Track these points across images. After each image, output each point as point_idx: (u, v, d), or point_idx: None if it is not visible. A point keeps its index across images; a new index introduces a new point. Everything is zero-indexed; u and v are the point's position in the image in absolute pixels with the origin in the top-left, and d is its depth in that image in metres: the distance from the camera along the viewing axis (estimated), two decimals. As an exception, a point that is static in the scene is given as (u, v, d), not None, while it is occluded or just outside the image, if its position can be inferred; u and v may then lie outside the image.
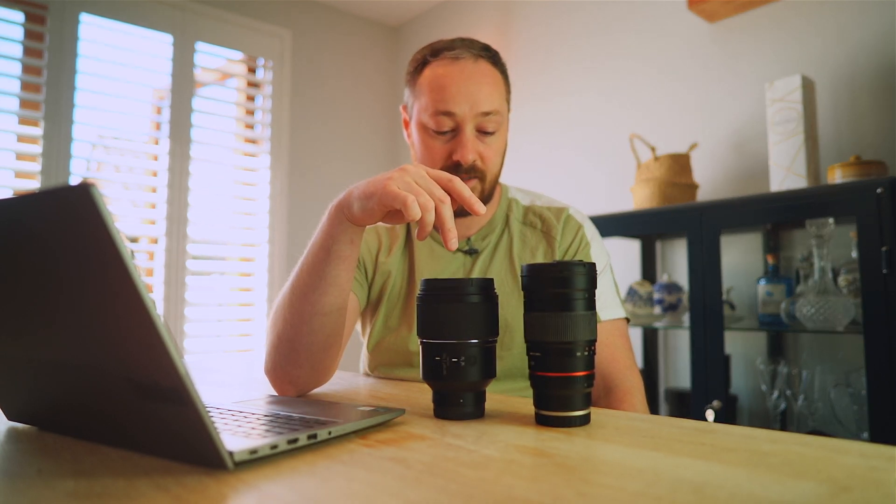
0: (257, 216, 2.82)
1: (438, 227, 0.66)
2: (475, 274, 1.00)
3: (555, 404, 0.57)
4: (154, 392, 0.43)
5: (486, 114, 0.95)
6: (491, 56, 0.98)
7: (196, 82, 2.66)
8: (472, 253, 1.02)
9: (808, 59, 1.79)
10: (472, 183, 0.97)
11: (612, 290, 1.00)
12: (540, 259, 1.01)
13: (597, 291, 0.98)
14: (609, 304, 0.98)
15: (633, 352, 0.98)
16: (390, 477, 0.42)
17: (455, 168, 0.95)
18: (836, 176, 1.48)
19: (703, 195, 1.95)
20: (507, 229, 1.04)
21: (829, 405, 1.61)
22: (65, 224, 0.40)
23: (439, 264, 1.02)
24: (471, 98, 0.93)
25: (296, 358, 0.79)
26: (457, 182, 0.68)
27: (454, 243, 0.65)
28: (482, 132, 0.96)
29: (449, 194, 0.68)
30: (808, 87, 1.58)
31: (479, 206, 0.68)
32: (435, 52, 0.97)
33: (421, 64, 0.99)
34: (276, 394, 0.84)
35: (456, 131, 0.95)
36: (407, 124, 1.05)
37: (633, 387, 0.92)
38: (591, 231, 1.05)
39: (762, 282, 1.66)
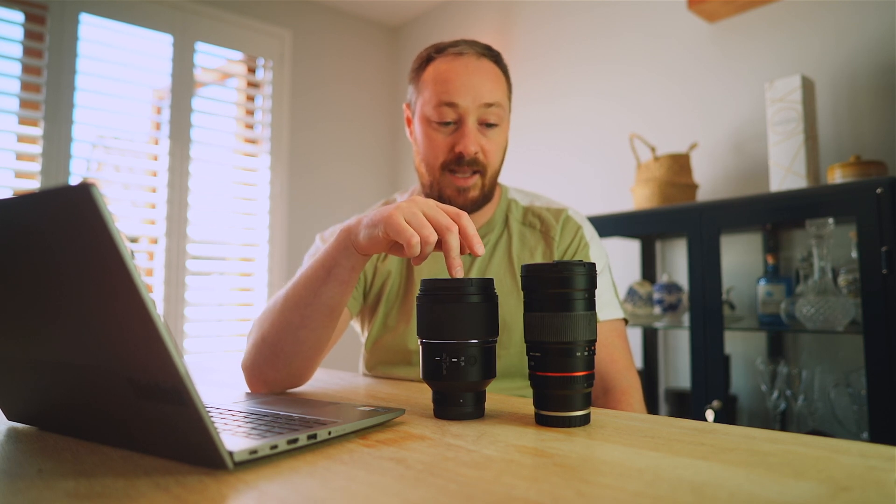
0: (257, 216, 2.82)
1: (444, 255, 0.66)
2: (473, 272, 1.00)
3: (555, 404, 0.57)
4: (154, 392, 0.43)
5: (489, 105, 0.95)
6: (493, 56, 1.00)
7: (196, 82, 2.66)
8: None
9: (807, 59, 1.79)
10: (474, 179, 0.97)
11: (610, 290, 1.01)
12: (539, 259, 1.01)
13: (595, 292, 0.98)
14: (608, 305, 0.98)
15: (630, 352, 0.99)
16: (390, 477, 0.42)
17: (457, 160, 0.96)
18: (836, 176, 1.48)
19: (702, 195, 1.95)
20: (507, 229, 1.05)
21: (829, 405, 1.61)
22: (65, 224, 0.40)
23: (438, 263, 1.02)
24: (473, 90, 0.95)
25: (274, 362, 0.80)
26: (464, 217, 0.68)
27: (459, 272, 0.65)
28: (484, 125, 0.97)
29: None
30: (807, 87, 1.58)
31: (480, 248, 0.67)
32: (439, 49, 0.99)
33: (425, 61, 1.00)
34: (277, 394, 0.84)
35: (458, 123, 0.96)
36: (409, 122, 1.06)
37: (631, 387, 0.93)
38: (589, 232, 1.05)
39: (762, 282, 1.66)
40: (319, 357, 0.83)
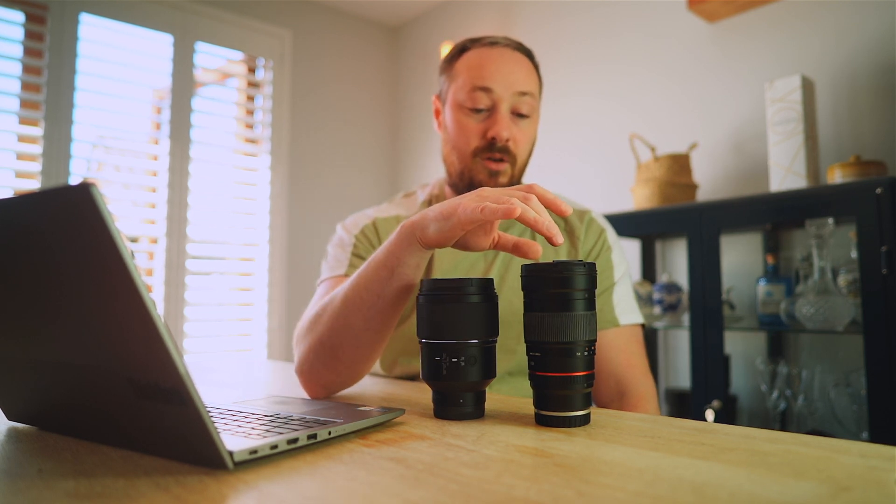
0: (257, 216, 2.82)
1: (534, 224, 0.60)
2: (497, 266, 0.99)
3: (555, 404, 0.57)
4: (154, 392, 0.43)
5: (523, 94, 0.95)
6: (527, 51, 1.00)
7: (196, 82, 2.66)
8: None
9: (807, 59, 1.79)
10: (503, 167, 0.96)
11: (631, 295, 1.00)
12: (563, 257, 1.00)
13: (616, 296, 0.98)
14: (628, 310, 0.98)
15: (647, 358, 0.98)
16: (390, 477, 0.42)
17: (489, 146, 0.95)
18: (836, 176, 1.48)
19: (702, 195, 1.95)
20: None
21: (828, 405, 1.61)
22: (65, 224, 0.40)
23: (457, 254, 0.99)
24: (508, 78, 0.94)
25: (334, 365, 0.77)
26: (537, 187, 0.65)
27: (559, 237, 0.60)
28: (516, 114, 0.96)
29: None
30: (807, 87, 1.58)
31: (566, 207, 0.64)
32: (474, 40, 1.00)
33: (459, 50, 1.00)
34: (277, 394, 0.84)
35: (491, 111, 0.95)
36: (438, 113, 1.05)
37: (648, 393, 0.92)
38: (612, 236, 1.04)
39: (762, 282, 1.66)
40: (379, 354, 0.80)
